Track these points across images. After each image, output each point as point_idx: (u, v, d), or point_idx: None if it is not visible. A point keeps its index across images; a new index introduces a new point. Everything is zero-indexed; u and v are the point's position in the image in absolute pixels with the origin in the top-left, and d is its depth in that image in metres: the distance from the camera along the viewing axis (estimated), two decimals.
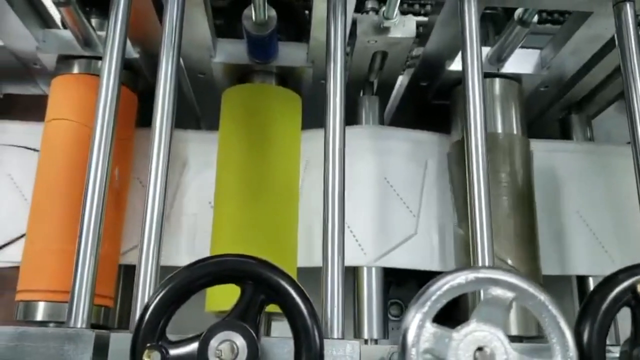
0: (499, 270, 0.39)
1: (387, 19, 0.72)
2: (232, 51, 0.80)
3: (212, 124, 0.88)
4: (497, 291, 0.38)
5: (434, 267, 0.82)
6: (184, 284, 0.43)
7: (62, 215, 0.71)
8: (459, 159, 0.83)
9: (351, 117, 0.91)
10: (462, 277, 0.38)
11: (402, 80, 0.90)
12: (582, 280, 0.87)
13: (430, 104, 0.91)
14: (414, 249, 0.81)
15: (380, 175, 0.83)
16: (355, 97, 0.88)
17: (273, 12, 0.73)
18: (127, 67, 0.75)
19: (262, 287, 0.43)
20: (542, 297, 0.39)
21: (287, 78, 0.83)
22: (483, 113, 0.67)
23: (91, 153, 0.61)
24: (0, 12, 0.71)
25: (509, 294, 0.39)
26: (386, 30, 0.74)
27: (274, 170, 0.77)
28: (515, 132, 0.82)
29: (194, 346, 0.42)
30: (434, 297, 0.38)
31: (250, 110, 0.79)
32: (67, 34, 0.79)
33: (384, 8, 0.72)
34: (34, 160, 0.76)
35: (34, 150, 0.79)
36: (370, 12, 0.80)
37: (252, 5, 0.70)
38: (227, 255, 0.45)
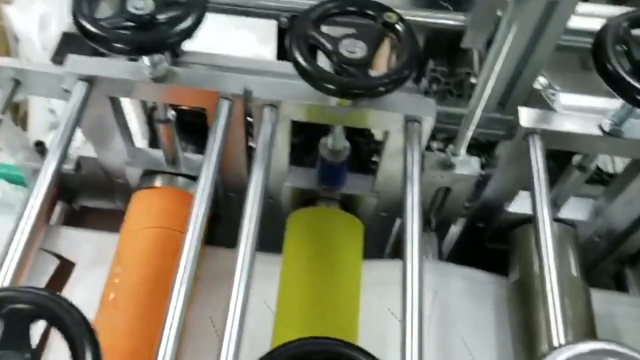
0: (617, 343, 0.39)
1: (455, 155, 0.78)
2: (301, 177, 0.86)
3: (270, 247, 0.91)
4: None
5: None
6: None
7: (129, 317, 0.72)
8: (518, 300, 0.83)
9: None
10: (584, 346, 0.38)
11: (458, 220, 0.94)
12: None
13: (485, 246, 0.93)
14: None
15: (442, 312, 0.83)
16: None
17: (347, 143, 0.80)
18: None
19: None
20: None
21: (350, 206, 0.87)
22: (553, 255, 0.68)
23: (179, 262, 0.61)
24: (107, 127, 0.78)
25: None
26: (452, 166, 0.79)
27: (336, 292, 0.78)
28: (575, 274, 0.83)
29: None
30: None
31: (316, 233, 0.82)
32: (154, 151, 0.86)
33: (450, 146, 0.78)
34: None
35: None
36: (436, 152, 0.86)
37: (330, 135, 0.77)
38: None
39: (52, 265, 0.85)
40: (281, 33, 0.94)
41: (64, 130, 0.67)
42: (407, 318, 0.60)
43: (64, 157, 0.66)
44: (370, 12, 0.65)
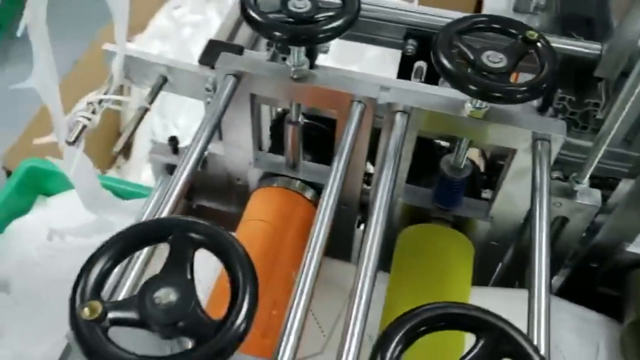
0: None
1: (577, 182, 0.77)
2: (414, 194, 0.87)
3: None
4: None
5: None
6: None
7: None
8: (635, 343, 0.79)
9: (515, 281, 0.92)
10: None
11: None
12: None
13: (596, 289, 0.90)
14: None
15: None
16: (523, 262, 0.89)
17: (469, 162, 0.81)
18: None
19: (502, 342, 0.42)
20: None
21: (461, 229, 0.87)
22: None
23: (300, 271, 0.60)
24: (242, 126, 0.83)
25: None
26: (573, 194, 0.78)
27: None
28: None
29: None
30: None
31: (428, 250, 0.83)
32: (275, 156, 0.91)
33: (574, 174, 0.78)
34: None
35: None
36: (556, 180, 0.86)
37: (455, 152, 0.79)
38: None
39: None
40: (404, 61, 0.98)
41: (207, 125, 0.71)
42: None
43: (203, 151, 0.69)
44: (513, 30, 0.68)
